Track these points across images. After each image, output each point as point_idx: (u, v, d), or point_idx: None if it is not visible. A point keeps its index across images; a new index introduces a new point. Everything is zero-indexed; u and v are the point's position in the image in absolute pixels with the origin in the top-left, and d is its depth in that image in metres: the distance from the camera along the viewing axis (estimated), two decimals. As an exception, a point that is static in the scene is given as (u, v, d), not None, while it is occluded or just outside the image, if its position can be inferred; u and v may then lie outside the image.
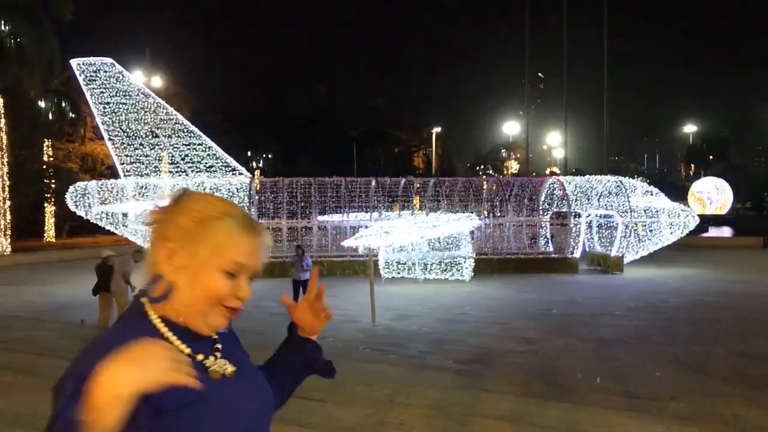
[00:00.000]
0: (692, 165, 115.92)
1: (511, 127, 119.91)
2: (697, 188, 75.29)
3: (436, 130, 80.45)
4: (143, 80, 42.78)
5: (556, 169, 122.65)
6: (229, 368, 1.62)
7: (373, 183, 25.34)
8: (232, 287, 1.59)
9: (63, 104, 36.88)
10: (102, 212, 24.13)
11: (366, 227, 22.95)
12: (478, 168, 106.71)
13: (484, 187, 26.69)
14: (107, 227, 24.63)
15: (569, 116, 66.30)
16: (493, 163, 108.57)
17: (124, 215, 24.31)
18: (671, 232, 25.37)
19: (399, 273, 22.05)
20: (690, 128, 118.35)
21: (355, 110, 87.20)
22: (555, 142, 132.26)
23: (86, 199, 24.14)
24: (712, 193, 74.00)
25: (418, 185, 25.80)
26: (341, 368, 7.83)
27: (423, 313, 16.72)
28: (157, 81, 54.57)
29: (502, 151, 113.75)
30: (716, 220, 66.13)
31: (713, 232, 53.93)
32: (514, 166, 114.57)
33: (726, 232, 59.48)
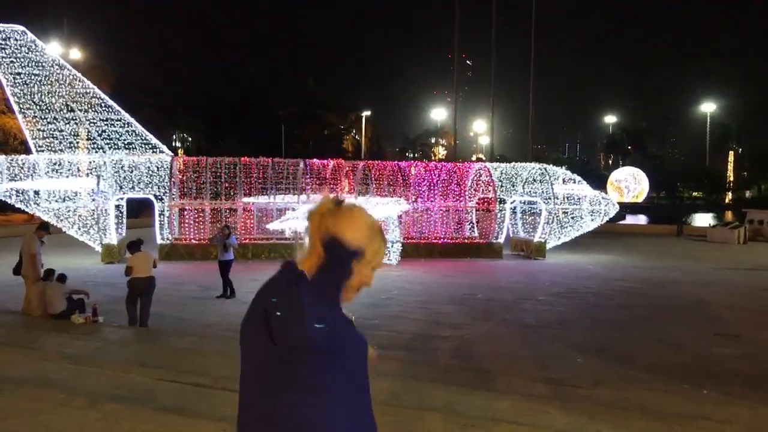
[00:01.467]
0: (611, 155, 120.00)
1: (439, 113, 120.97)
2: (616, 177, 78.05)
3: (366, 113, 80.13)
4: (60, 52, 40.65)
5: (481, 156, 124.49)
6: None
7: (301, 165, 24.88)
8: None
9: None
10: (11, 189, 22.76)
11: (293, 210, 22.55)
12: (407, 153, 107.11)
13: (412, 172, 26.64)
14: (17, 205, 23.27)
15: (496, 104, 67.30)
16: (422, 149, 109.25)
17: (36, 193, 23.01)
18: (592, 219, 26.06)
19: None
20: (610, 119, 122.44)
21: (285, 91, 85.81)
22: (481, 129, 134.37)
23: (-6, 175, 22.68)
24: (630, 182, 76.89)
25: (347, 168, 25.49)
26: None
27: (348, 297, 16.55)
28: (76, 53, 52.09)
29: (431, 137, 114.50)
30: (633, 208, 68.69)
31: (630, 219, 55.96)
32: (441, 151, 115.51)
33: (642, 219, 61.93)
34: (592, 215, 25.93)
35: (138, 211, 33.89)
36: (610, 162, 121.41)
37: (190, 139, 72.13)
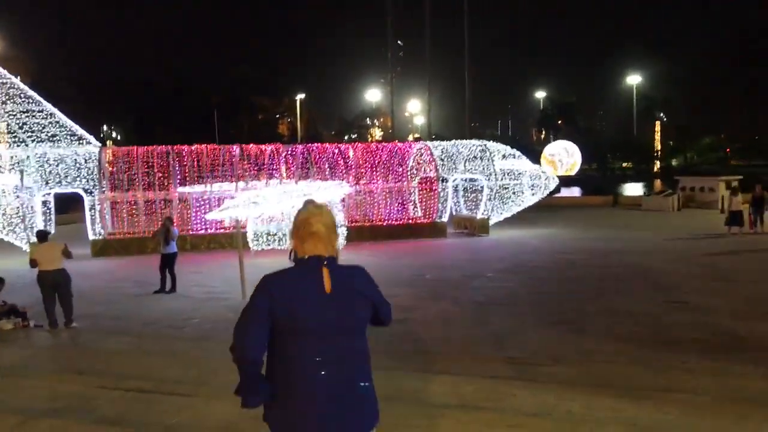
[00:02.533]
0: (543, 130, 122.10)
1: (373, 95, 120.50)
2: (549, 151, 79.27)
3: (300, 96, 78.98)
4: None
5: (418, 136, 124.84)
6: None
7: (237, 150, 24.10)
8: None
9: None
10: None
11: (232, 198, 21.81)
12: (345, 136, 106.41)
13: (353, 154, 26.20)
14: (-68, 206, 21.75)
15: (430, 83, 67.28)
16: (358, 131, 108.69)
17: (-47, 192, 21.55)
18: (533, 194, 26.22)
19: (269, 244, 21.19)
20: (540, 94, 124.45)
21: (216, 77, 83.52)
22: (416, 109, 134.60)
23: None
24: (563, 156, 78.25)
25: (285, 153, 24.83)
26: (208, 354, 7.06)
27: (295, 284, 16.08)
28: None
29: (367, 119, 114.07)
30: (566, 181, 70.03)
31: (565, 192, 56.98)
32: (378, 133, 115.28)
33: (576, 192, 63.22)
34: (532, 190, 26.08)
35: (66, 206, 32.37)
36: (542, 137, 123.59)
37: (117, 131, 69.62)
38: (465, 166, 25.68)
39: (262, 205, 15.52)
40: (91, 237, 22.03)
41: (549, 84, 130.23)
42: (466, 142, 27.06)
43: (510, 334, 10.63)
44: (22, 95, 22.66)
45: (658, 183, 66.17)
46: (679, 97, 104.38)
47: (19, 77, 25.34)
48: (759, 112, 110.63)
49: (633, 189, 62.99)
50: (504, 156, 25.89)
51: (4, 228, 21.70)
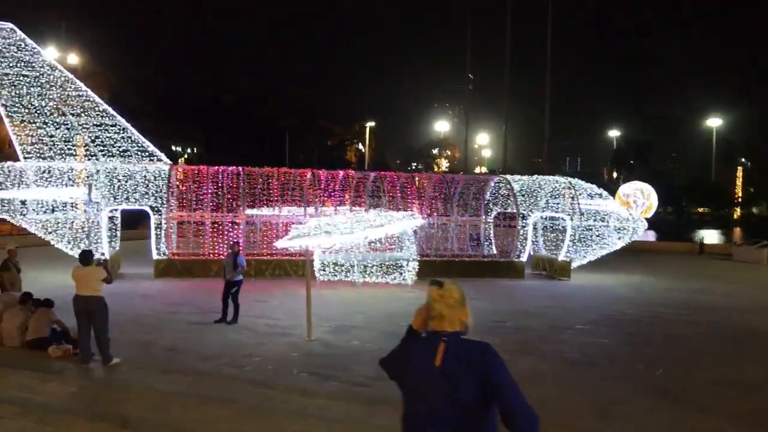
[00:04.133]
0: (616, 169, 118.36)
1: (441, 126, 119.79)
2: (624, 191, 76.24)
3: (370, 124, 78.56)
4: (57, 57, 39.07)
5: (484, 169, 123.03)
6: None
7: (309, 175, 23.17)
8: None
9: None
10: (-4, 198, 21.02)
11: (300, 224, 20.79)
12: (414, 165, 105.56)
13: (426, 183, 24.92)
14: (2, 216, 21.53)
15: (499, 117, 65.74)
16: (425, 160, 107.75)
17: (23, 203, 21.26)
18: (619, 238, 24.32)
19: (336, 275, 20.02)
20: (614, 133, 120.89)
21: (287, 101, 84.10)
22: (484, 141, 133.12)
23: (-23, 183, 20.92)
24: (638, 197, 75.14)
25: (357, 179, 23.76)
26: (271, 403, 5.51)
27: (364, 323, 14.84)
28: (73, 58, 50.59)
29: (434, 149, 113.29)
30: (642, 224, 67.05)
31: (641, 236, 54.29)
32: (444, 164, 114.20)
33: (651, 236, 60.20)
34: (619, 233, 24.16)
35: (134, 223, 32.18)
36: (614, 176, 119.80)
37: (188, 150, 70.56)
38: (547, 203, 24.01)
39: (335, 235, 14.34)
40: (154, 256, 21.35)
41: (620, 122, 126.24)
42: (550, 178, 25.38)
43: (613, 403, 9.16)
44: (96, 108, 22.39)
45: (737, 231, 62.69)
46: (762, 140, 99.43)
47: (98, 92, 25.24)
48: None
49: (711, 236, 59.71)
50: (590, 195, 24.12)
51: (70, 242, 21.27)
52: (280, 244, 13.79)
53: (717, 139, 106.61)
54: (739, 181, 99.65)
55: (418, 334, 3.47)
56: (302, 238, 13.64)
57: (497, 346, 11.57)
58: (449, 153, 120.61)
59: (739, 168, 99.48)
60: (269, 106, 74.22)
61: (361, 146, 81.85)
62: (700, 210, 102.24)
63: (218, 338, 12.86)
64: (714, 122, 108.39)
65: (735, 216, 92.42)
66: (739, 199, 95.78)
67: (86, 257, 10.44)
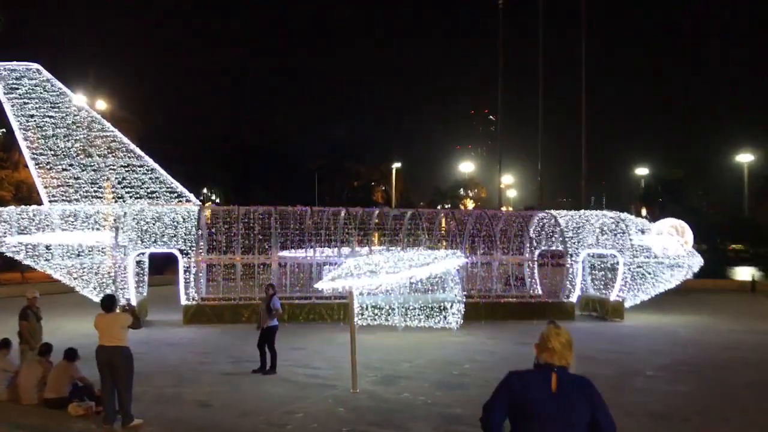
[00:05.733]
0: (644, 206, 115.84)
1: (466, 166, 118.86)
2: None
3: (397, 165, 77.86)
4: (85, 102, 38.89)
5: (510, 208, 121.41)
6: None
7: (343, 213, 22.10)
8: None
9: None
10: (20, 243, 20.15)
11: (335, 265, 19.61)
12: (442, 205, 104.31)
13: (466, 220, 23.69)
14: (26, 261, 20.65)
15: (525, 156, 64.56)
16: (451, 200, 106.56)
17: (48, 248, 20.38)
18: (673, 275, 22.76)
19: (375, 319, 18.72)
20: (642, 171, 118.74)
21: (313, 142, 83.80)
22: (509, 181, 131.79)
23: (1, 227, 20.09)
24: (673, 234, 72.97)
25: (393, 216, 22.62)
26: None
27: (412, 373, 13.51)
28: (101, 104, 50.66)
29: (460, 189, 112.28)
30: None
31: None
32: (470, 204, 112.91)
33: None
34: (673, 270, 22.61)
35: (161, 268, 31.26)
36: (644, 213, 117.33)
37: (215, 194, 70.20)
38: (596, 239, 22.61)
39: (379, 275, 13.12)
40: (183, 302, 20.26)
41: (644, 158, 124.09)
42: (597, 213, 23.95)
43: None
44: (123, 149, 21.68)
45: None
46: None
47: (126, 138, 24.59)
48: None
49: (743, 273, 57.88)
50: (642, 231, 22.70)
51: (95, 288, 20.29)
52: (321, 285, 12.63)
53: (751, 174, 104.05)
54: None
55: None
56: (344, 279, 12.47)
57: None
58: (476, 191, 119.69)
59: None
60: (296, 147, 74.09)
61: (386, 188, 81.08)
62: (734, 246, 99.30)
63: (255, 391, 11.65)
64: (745, 158, 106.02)
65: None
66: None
67: (109, 303, 9.35)
